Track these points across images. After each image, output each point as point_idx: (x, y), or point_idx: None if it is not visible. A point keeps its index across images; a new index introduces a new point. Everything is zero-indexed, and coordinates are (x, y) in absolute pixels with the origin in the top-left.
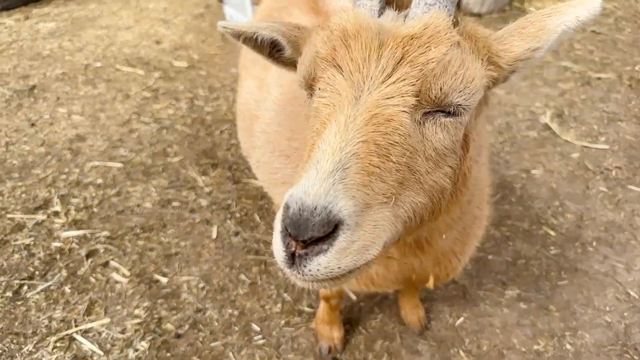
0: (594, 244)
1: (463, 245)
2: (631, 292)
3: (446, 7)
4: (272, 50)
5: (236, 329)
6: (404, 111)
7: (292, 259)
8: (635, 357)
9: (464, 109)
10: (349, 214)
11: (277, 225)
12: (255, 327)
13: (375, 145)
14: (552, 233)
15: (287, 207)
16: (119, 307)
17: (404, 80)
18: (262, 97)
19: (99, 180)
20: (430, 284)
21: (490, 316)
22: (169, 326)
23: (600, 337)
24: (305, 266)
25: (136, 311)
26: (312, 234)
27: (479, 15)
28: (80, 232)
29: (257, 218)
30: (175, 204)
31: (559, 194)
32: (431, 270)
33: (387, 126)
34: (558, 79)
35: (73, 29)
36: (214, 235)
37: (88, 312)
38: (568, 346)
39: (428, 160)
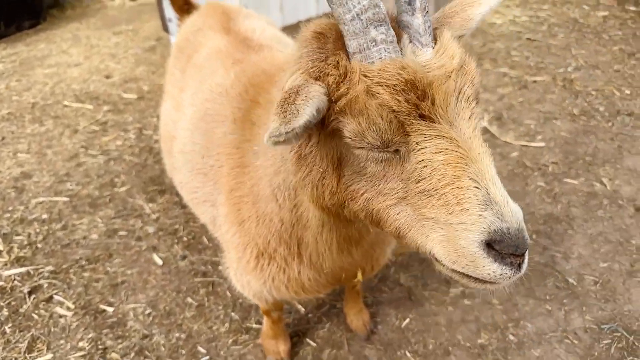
0: (534, 236)
1: (387, 234)
2: (569, 279)
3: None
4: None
5: (183, 352)
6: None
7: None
8: (575, 341)
9: None
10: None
11: (485, 256)
12: (202, 350)
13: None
14: None
15: (503, 232)
16: (62, 342)
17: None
18: (178, 117)
19: (44, 216)
20: (359, 277)
21: (435, 315)
22: (114, 355)
23: (541, 325)
24: (522, 267)
25: (80, 344)
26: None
27: None
28: (22, 269)
29: (205, 240)
30: (121, 233)
31: None
32: (360, 265)
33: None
34: (497, 84)
35: (21, 69)
36: (160, 261)
37: (29, 349)
38: (511, 337)
39: None
